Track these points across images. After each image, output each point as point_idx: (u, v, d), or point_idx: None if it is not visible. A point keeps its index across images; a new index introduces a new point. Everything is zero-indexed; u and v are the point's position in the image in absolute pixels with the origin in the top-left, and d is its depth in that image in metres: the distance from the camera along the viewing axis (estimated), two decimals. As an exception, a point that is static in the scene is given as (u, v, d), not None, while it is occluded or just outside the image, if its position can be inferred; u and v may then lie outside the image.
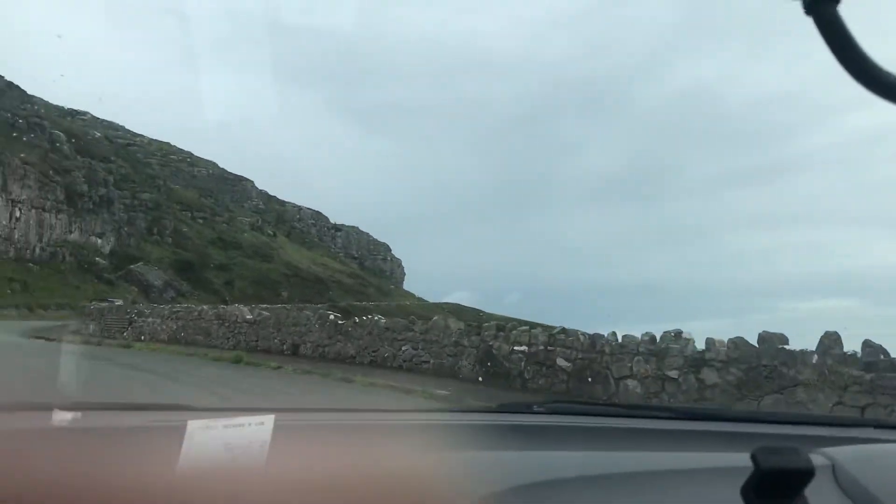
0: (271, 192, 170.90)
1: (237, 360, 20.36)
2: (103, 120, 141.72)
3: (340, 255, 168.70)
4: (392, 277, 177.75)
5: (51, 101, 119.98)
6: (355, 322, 21.97)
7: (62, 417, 1.47)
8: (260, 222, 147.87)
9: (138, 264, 70.98)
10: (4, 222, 56.15)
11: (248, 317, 26.07)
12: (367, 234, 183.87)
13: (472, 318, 55.84)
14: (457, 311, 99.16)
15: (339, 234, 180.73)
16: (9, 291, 50.54)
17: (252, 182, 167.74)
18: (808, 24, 0.72)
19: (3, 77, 76.82)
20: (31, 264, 57.08)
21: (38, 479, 1.03)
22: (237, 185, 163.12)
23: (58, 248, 60.38)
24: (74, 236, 65.46)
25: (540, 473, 1.35)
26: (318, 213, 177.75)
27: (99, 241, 69.47)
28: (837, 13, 0.72)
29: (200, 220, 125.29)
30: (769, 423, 2.20)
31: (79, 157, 75.63)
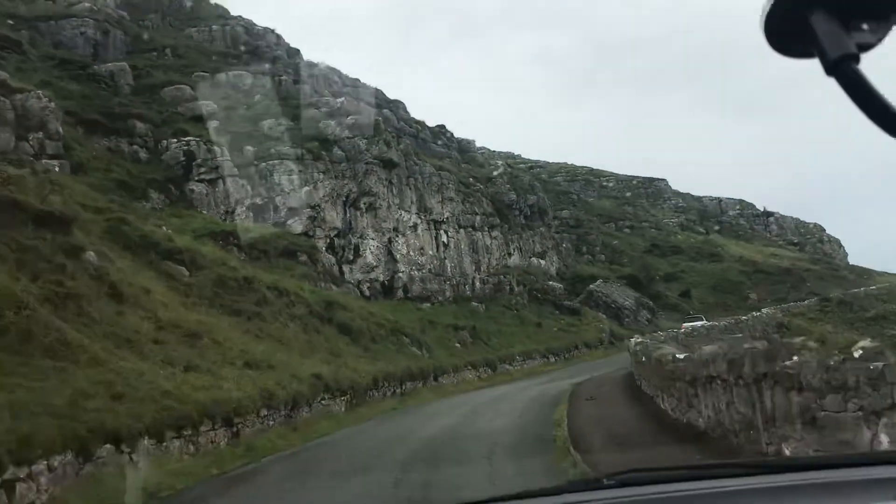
0: (682, 190, 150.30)
1: None
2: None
3: (779, 242, 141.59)
4: (835, 258, 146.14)
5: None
6: None
7: None
8: (686, 222, 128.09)
9: (597, 283, 51.54)
10: (431, 251, 40.68)
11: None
12: (792, 217, 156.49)
13: None
14: None
15: (770, 220, 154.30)
16: (457, 344, 33.81)
17: (665, 181, 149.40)
18: None
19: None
20: (474, 303, 41.03)
21: None
22: (649, 187, 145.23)
23: (501, 277, 43.52)
24: (514, 259, 48.53)
25: None
26: (742, 200, 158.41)
27: (542, 262, 51.83)
28: (858, 70, 0.79)
29: (627, 230, 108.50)
30: (849, 468, 2.00)
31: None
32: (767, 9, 0.88)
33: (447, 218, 43.80)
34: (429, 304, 38.28)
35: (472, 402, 22.04)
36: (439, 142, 58.38)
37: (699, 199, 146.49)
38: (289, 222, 34.24)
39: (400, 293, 38.02)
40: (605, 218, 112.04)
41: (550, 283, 47.57)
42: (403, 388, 25.71)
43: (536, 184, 71.23)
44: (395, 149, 41.45)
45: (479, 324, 38.21)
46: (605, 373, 26.98)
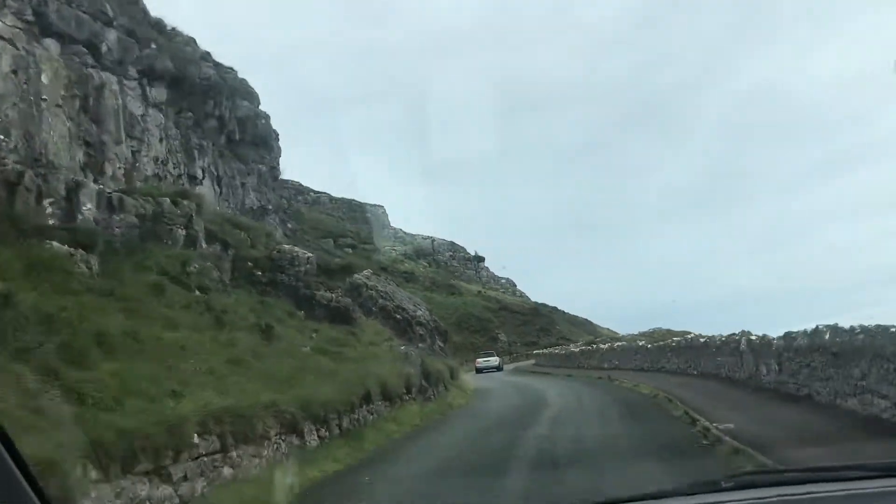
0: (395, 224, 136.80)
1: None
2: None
3: (493, 286, 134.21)
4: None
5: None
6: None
7: None
8: (405, 256, 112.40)
9: (364, 273, 27.81)
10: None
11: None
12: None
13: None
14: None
15: (482, 265, 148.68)
16: None
17: (383, 208, 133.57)
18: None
19: None
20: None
21: None
22: (367, 212, 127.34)
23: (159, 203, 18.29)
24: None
25: None
26: (453, 243, 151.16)
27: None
28: None
29: (349, 250, 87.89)
30: None
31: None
32: None
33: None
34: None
35: None
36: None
37: (413, 235, 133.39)
38: None
39: None
40: (322, 232, 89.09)
41: (284, 248, 23.29)
42: None
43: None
44: None
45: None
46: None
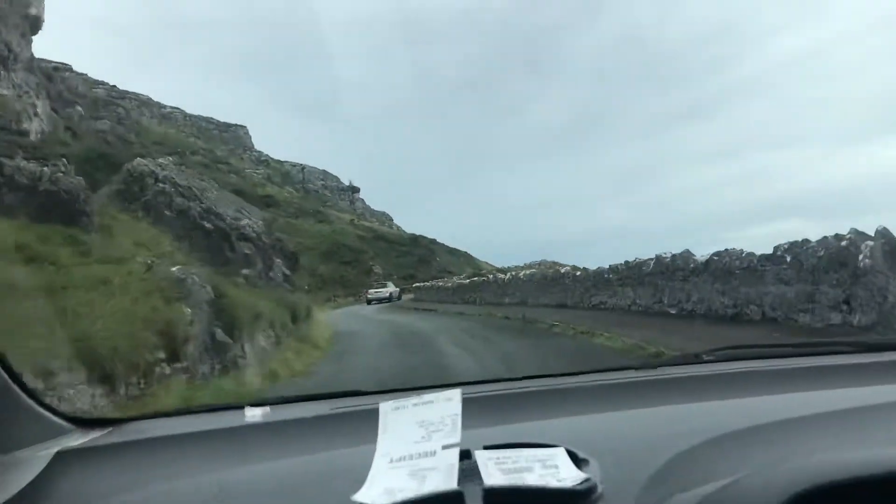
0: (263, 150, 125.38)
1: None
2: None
3: (369, 218, 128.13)
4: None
5: None
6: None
7: (252, 414, 1.57)
8: (270, 181, 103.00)
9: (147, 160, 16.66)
10: None
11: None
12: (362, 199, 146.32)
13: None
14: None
15: (357, 196, 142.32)
16: None
17: (246, 129, 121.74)
18: None
19: None
20: None
21: (231, 478, 1.21)
22: (226, 131, 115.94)
23: None
24: None
25: (735, 422, 1.31)
26: (326, 172, 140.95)
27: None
28: None
29: (199, 168, 75.56)
30: None
31: None
32: None
33: None
34: None
35: None
36: None
37: (280, 162, 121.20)
38: None
39: None
40: (166, 148, 75.74)
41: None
42: None
43: None
44: None
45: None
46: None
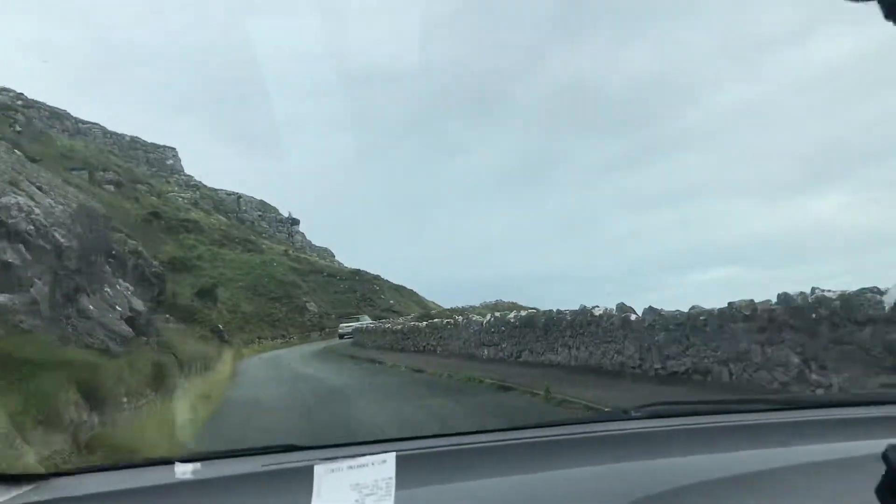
0: (195, 175, 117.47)
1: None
2: None
3: (308, 252, 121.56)
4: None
5: None
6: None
7: (183, 471, 1.48)
8: (199, 208, 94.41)
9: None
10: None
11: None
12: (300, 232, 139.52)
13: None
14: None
15: (296, 228, 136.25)
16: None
17: (175, 151, 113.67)
18: (676, 4, 0.70)
19: None
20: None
21: None
22: (153, 153, 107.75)
23: None
24: None
25: (658, 483, 1.29)
26: (264, 202, 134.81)
27: None
28: None
29: (110, 187, 68.36)
30: (867, 406, 2.03)
31: None
32: None
33: None
34: None
35: None
36: None
37: (214, 189, 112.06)
38: None
39: None
40: (74, 162, 67.75)
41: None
42: None
43: None
44: None
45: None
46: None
